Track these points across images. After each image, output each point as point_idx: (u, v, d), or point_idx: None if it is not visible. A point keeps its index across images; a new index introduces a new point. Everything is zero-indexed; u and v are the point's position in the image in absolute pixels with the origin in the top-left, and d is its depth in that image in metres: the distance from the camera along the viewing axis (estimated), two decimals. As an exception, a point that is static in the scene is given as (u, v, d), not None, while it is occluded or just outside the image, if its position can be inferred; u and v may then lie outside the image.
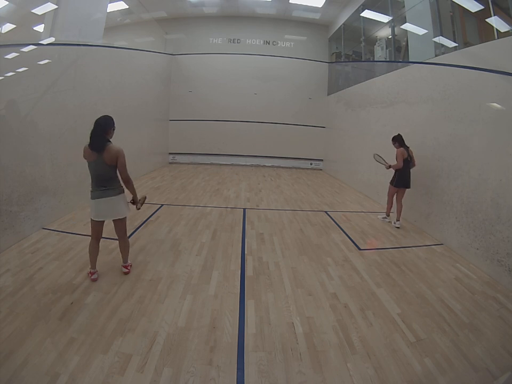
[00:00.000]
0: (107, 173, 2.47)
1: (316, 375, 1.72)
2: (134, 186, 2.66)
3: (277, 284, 2.71)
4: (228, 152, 10.28)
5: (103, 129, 2.43)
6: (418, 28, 5.16)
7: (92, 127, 2.42)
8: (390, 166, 4.41)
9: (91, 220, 2.57)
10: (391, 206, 4.65)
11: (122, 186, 2.59)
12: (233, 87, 9.92)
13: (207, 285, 2.63)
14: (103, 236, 2.67)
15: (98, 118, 2.45)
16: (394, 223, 4.53)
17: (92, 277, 2.58)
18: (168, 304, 2.31)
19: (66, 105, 4.24)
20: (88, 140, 2.42)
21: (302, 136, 10.24)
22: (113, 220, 2.61)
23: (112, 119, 2.52)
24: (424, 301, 2.52)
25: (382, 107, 6.04)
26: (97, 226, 2.58)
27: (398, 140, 4.40)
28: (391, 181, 4.50)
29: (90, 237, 2.61)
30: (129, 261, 2.80)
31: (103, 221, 2.59)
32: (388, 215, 4.76)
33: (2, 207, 3.07)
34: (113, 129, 2.56)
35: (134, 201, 2.72)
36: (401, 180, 4.37)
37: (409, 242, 3.92)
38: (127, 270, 2.73)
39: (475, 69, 3.51)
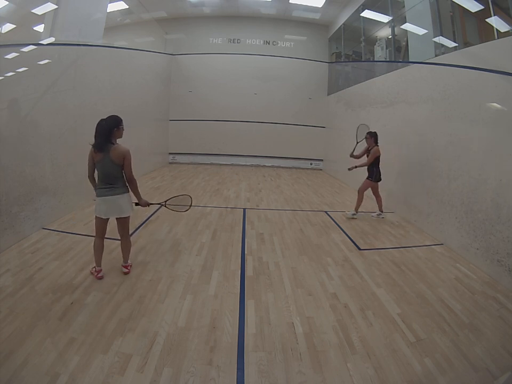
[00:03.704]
0: (113, 172, 2.50)
1: (315, 375, 1.72)
2: (138, 189, 2.66)
3: (277, 283, 2.71)
4: (228, 152, 10.26)
5: (105, 130, 2.45)
6: (418, 27, 5.16)
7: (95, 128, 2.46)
8: (356, 167, 4.65)
9: (95, 217, 2.58)
10: (362, 201, 4.77)
11: (127, 186, 2.61)
12: (233, 87, 9.90)
13: (207, 285, 2.63)
14: (103, 236, 2.66)
15: (102, 119, 2.47)
16: (378, 215, 4.82)
17: (98, 275, 2.59)
18: (168, 304, 2.31)
19: (66, 105, 4.24)
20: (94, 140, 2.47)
21: (302, 136, 10.22)
22: (116, 218, 2.62)
23: (116, 120, 2.51)
24: (424, 301, 2.52)
25: (382, 107, 6.03)
26: (101, 224, 2.59)
27: (375, 137, 4.59)
28: (370, 177, 4.65)
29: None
30: (129, 261, 2.80)
31: (108, 219, 2.60)
32: (357, 211, 4.80)
33: (2, 207, 3.07)
34: (121, 128, 2.54)
35: (137, 204, 2.72)
36: (379, 175, 4.64)
37: (409, 242, 3.92)
38: (127, 270, 2.73)
39: (475, 69, 3.51)
